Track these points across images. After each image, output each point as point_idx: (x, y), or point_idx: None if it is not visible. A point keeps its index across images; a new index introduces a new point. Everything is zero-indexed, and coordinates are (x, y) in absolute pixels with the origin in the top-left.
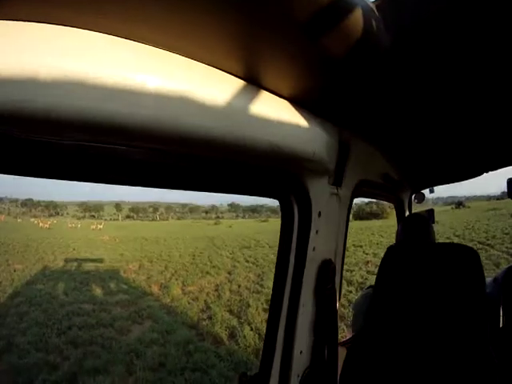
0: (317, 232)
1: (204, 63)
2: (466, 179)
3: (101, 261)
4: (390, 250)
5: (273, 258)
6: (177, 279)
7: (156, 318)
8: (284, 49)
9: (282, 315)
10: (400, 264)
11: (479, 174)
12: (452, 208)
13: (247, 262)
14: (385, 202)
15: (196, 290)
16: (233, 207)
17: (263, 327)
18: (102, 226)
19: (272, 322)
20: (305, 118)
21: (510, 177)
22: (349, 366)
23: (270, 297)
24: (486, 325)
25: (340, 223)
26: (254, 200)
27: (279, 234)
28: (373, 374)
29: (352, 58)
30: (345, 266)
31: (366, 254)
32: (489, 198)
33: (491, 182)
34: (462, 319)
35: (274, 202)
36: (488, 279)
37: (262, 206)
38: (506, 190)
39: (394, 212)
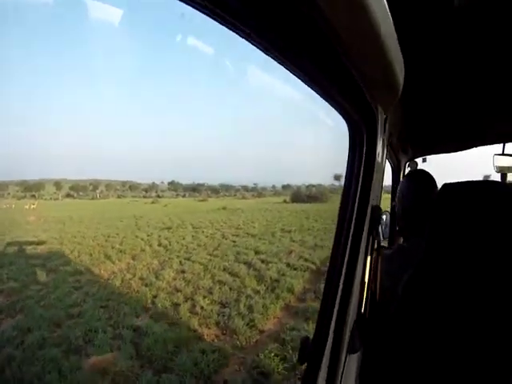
0: (376, 171)
1: None
2: (462, 150)
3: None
4: (445, 187)
5: (189, 240)
6: (74, 265)
7: (28, 312)
8: None
9: (345, 261)
10: (457, 204)
11: (471, 147)
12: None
13: (159, 245)
14: (326, 185)
15: (83, 280)
16: (173, 185)
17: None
18: (35, 206)
19: (334, 267)
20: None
21: None
22: (404, 307)
23: (158, 291)
24: None
25: (381, 172)
26: (194, 178)
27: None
28: (427, 317)
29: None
30: (262, 256)
31: (293, 241)
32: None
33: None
34: None
35: (213, 181)
36: None
37: (201, 185)
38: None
39: (334, 197)
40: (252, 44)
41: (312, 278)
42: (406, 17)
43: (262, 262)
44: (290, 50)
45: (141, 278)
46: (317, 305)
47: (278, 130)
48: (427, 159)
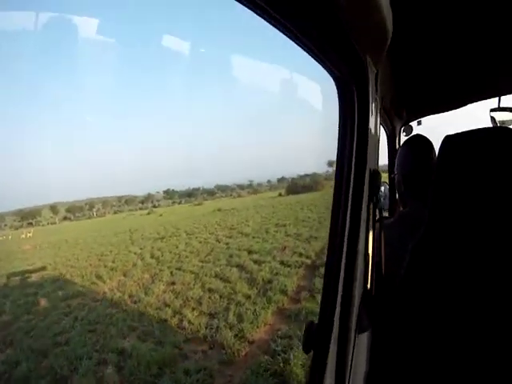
0: (370, 131)
1: None
2: (455, 108)
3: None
4: (448, 139)
5: (182, 247)
6: (66, 290)
7: (17, 345)
8: None
9: (345, 235)
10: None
11: (465, 104)
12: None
13: (152, 257)
14: (320, 173)
15: (74, 304)
16: (168, 194)
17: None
18: (31, 234)
19: (334, 244)
20: None
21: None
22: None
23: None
24: None
25: (376, 134)
26: (188, 184)
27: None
28: (439, 277)
29: None
30: (255, 256)
31: (288, 235)
32: None
33: None
34: None
35: (208, 184)
36: None
37: (197, 190)
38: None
39: (328, 184)
40: None
41: (306, 274)
42: None
43: (255, 262)
44: None
45: (130, 295)
46: (310, 305)
47: (268, 123)
48: (422, 122)
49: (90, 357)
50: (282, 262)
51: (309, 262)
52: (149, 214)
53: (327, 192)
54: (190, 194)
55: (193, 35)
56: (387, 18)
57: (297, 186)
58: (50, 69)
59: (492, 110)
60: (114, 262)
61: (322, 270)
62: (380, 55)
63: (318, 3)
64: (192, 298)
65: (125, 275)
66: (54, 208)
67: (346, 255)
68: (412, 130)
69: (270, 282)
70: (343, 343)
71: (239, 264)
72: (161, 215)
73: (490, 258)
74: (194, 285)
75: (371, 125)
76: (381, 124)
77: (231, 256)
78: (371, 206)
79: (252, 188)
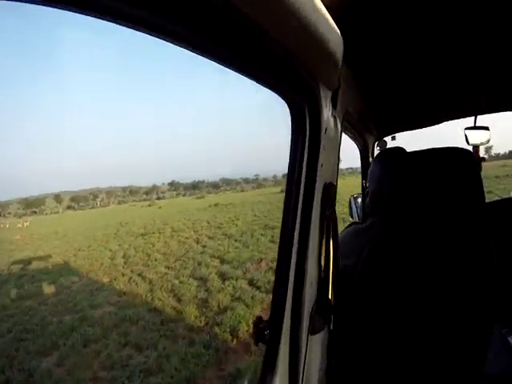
0: (324, 148)
1: None
2: (428, 126)
3: None
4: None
5: (158, 247)
6: (26, 288)
7: None
8: None
9: (294, 244)
10: (402, 186)
11: (439, 121)
12: None
13: (123, 257)
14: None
15: (23, 306)
16: (173, 186)
17: None
18: (27, 224)
19: (284, 252)
20: (329, 21)
21: None
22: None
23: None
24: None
25: (336, 148)
26: (193, 177)
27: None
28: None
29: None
30: (225, 267)
31: (272, 241)
32: None
33: None
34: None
35: (213, 177)
36: None
37: (202, 182)
38: None
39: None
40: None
41: None
42: None
43: (221, 276)
44: (208, 44)
45: (67, 309)
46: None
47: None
48: (396, 136)
49: None
50: (251, 281)
51: None
52: (149, 205)
53: None
54: (194, 187)
55: None
56: (335, 45)
57: None
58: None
59: (467, 129)
60: (85, 258)
61: None
62: (333, 77)
63: (263, 39)
64: (122, 321)
65: (86, 275)
66: (58, 197)
67: (295, 267)
68: (386, 144)
69: (224, 310)
70: (295, 341)
71: (203, 277)
72: (160, 208)
73: (434, 266)
74: (138, 302)
75: (324, 142)
76: (354, 140)
77: (200, 264)
78: (325, 219)
79: (257, 182)
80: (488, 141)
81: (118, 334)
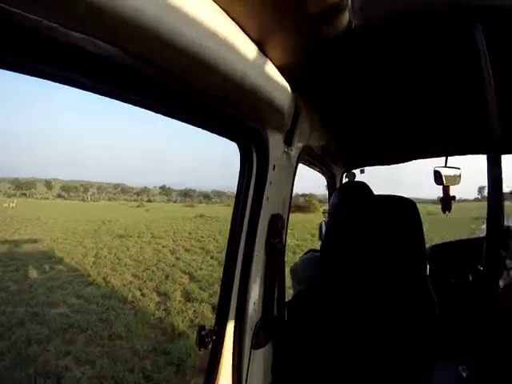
0: (271, 183)
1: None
2: (396, 163)
3: None
4: (336, 211)
5: (132, 253)
6: None
7: None
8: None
9: (237, 268)
10: (345, 221)
11: (407, 160)
12: None
13: (94, 256)
14: (317, 194)
15: None
16: (164, 190)
17: None
18: (14, 205)
19: (228, 274)
20: (273, 73)
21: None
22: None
23: None
24: (425, 267)
25: (288, 182)
26: (185, 184)
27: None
28: (321, 325)
29: (321, 41)
30: (192, 286)
31: None
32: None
33: None
34: (404, 270)
35: (206, 187)
36: None
37: (194, 191)
38: None
39: (322, 207)
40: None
41: None
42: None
43: (186, 296)
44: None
45: (23, 300)
46: None
47: None
48: (365, 170)
49: None
50: (214, 308)
51: None
52: (138, 206)
53: (318, 216)
54: (185, 194)
55: None
56: (284, 100)
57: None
58: None
59: (436, 168)
60: (57, 251)
61: None
62: (282, 122)
63: (211, 100)
64: (70, 327)
65: (53, 269)
66: (48, 183)
67: (238, 284)
68: (354, 176)
69: (178, 336)
70: (238, 354)
71: (166, 293)
72: (147, 210)
73: (370, 301)
74: (94, 307)
75: (272, 177)
76: (321, 171)
77: (167, 277)
78: (270, 247)
79: None
80: (458, 182)
81: (63, 341)
